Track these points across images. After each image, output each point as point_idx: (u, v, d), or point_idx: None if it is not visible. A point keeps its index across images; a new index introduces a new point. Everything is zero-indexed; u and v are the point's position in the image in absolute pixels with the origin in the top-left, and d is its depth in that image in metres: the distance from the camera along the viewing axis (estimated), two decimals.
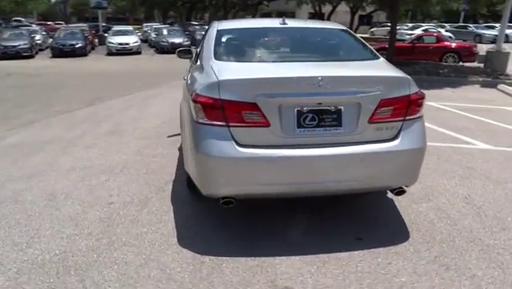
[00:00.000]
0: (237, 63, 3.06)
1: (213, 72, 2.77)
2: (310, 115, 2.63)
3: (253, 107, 2.57)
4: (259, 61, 3.25)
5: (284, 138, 2.64)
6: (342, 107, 2.65)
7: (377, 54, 3.30)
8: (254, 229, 3.03)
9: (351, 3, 27.61)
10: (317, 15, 32.02)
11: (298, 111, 2.62)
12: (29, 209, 3.35)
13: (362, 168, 2.70)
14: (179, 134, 5.60)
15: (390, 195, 3.32)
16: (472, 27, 30.52)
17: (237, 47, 3.51)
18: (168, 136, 5.49)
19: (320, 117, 2.64)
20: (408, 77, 2.81)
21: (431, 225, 3.09)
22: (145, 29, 29.18)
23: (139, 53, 20.32)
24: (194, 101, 2.68)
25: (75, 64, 16.10)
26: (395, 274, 2.49)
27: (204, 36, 4.50)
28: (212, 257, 2.66)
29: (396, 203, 3.42)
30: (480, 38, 28.32)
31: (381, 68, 3.05)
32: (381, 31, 33.41)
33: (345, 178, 2.72)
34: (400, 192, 2.90)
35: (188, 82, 3.27)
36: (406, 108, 2.72)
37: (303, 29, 3.91)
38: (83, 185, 3.89)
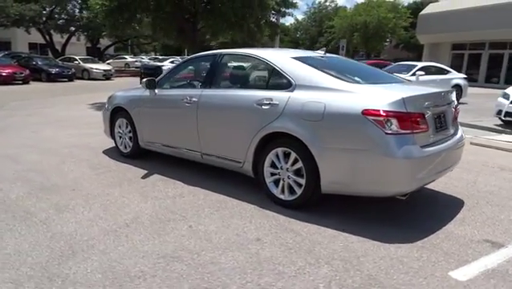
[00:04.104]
0: (374, 85, 3.58)
1: (378, 92, 3.32)
2: (438, 119, 3.52)
3: (422, 116, 3.25)
4: (378, 83, 3.75)
5: (431, 138, 3.41)
6: (445, 113, 3.66)
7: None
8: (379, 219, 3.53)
9: (91, 36, 27.00)
10: (47, 45, 29.24)
11: (434, 118, 3.45)
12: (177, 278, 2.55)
13: (455, 154, 3.79)
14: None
15: None
16: None
17: (342, 72, 3.75)
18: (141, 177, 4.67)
19: (439, 120, 3.57)
20: None
21: (452, 190, 4.43)
22: None
23: None
24: (383, 116, 3.06)
25: None
26: (497, 218, 3.70)
27: (221, 66, 4.40)
28: (400, 244, 3.08)
29: None
30: None
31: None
32: (117, 63, 33.69)
33: (452, 163, 3.74)
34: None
35: (314, 105, 3.41)
36: (456, 111, 4.01)
37: (343, 59, 4.55)
38: (154, 243, 3.10)
